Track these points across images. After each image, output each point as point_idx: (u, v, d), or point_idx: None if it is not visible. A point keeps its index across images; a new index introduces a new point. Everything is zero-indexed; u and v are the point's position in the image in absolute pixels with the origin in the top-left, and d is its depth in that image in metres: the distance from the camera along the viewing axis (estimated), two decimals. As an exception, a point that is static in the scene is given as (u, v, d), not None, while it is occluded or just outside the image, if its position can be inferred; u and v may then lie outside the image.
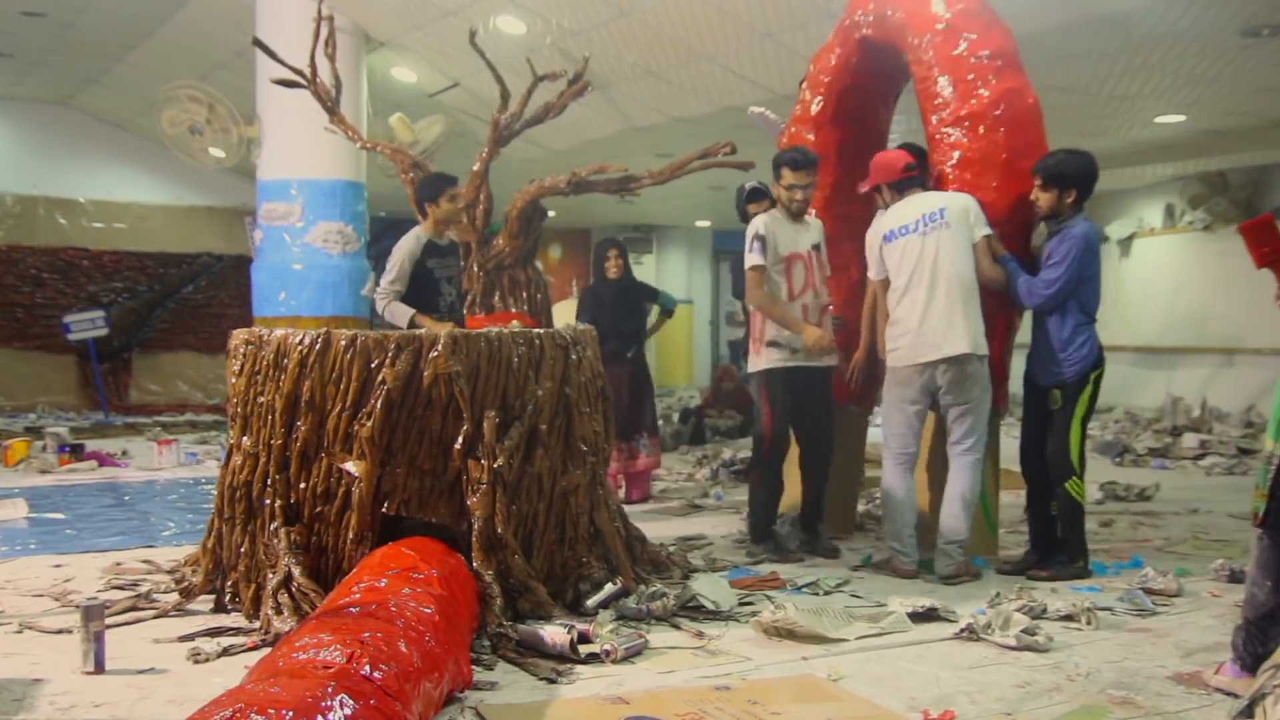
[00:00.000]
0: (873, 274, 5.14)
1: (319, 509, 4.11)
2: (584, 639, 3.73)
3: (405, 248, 5.56)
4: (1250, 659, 3.28)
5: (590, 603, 4.18)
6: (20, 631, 4.00)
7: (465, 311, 6.80)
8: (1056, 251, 4.81)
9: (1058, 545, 4.93)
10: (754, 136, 9.10)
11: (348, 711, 2.43)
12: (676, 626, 4.06)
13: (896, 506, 4.93)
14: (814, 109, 5.84)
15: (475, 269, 7.88)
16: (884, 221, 5.05)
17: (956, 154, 5.06)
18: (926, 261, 4.82)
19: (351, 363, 4.07)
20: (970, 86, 5.03)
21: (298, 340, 4.16)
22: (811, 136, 5.82)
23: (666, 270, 19.10)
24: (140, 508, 6.85)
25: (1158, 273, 12.93)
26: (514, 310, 7.65)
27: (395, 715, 2.59)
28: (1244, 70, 7.74)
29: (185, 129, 9.76)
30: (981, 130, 5.01)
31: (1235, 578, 4.77)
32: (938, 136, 5.16)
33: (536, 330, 4.44)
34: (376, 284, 5.74)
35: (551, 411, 4.27)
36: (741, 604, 4.33)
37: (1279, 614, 3.26)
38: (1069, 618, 4.14)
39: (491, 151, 7.93)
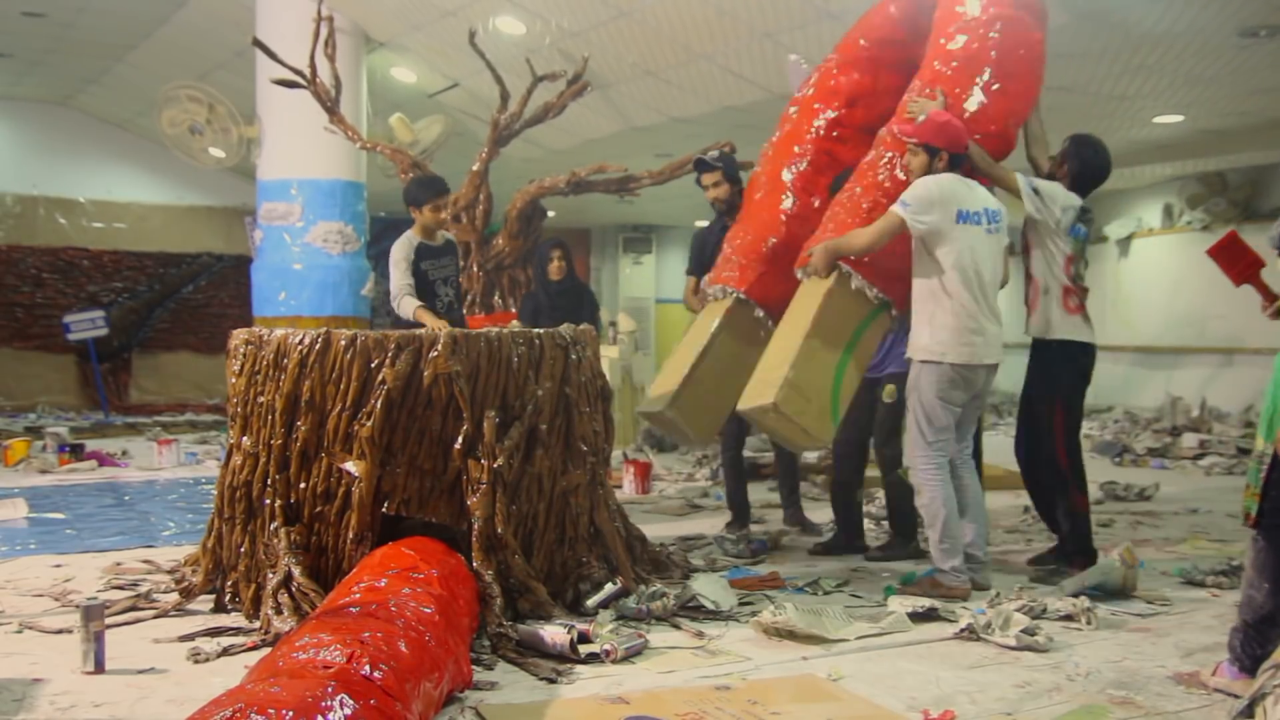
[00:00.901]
0: (926, 226, 4.49)
1: (319, 509, 4.11)
2: (584, 639, 3.73)
3: (400, 251, 5.65)
4: (1249, 661, 3.26)
5: (590, 603, 4.18)
6: (20, 631, 4.00)
7: (465, 311, 6.82)
8: None
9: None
10: (753, 136, 9.07)
11: (348, 711, 2.43)
12: (676, 626, 4.06)
13: (952, 516, 4.55)
14: (851, 51, 5.51)
15: (475, 269, 7.89)
16: (947, 191, 4.53)
17: (953, 62, 4.90)
18: (988, 262, 4.60)
19: (351, 363, 4.07)
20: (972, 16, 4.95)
21: (298, 340, 4.16)
22: (836, 75, 5.50)
23: (666, 270, 19.11)
24: (140, 508, 6.84)
25: (1156, 273, 12.93)
26: (514, 310, 7.66)
27: (395, 715, 2.60)
28: (1242, 70, 7.74)
29: (185, 129, 9.76)
30: (978, 34, 4.89)
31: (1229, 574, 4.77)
32: (938, 44, 5.03)
33: (536, 330, 4.45)
34: (376, 284, 5.77)
35: (551, 411, 4.27)
36: (741, 604, 4.33)
37: (1278, 616, 3.25)
38: (1069, 618, 4.14)
39: (491, 151, 7.95)
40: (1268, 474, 3.25)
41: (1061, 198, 4.84)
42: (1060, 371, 4.89)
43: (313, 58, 7.32)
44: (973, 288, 4.52)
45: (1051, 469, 4.92)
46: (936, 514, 4.53)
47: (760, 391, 4.70)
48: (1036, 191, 4.81)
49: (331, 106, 7.51)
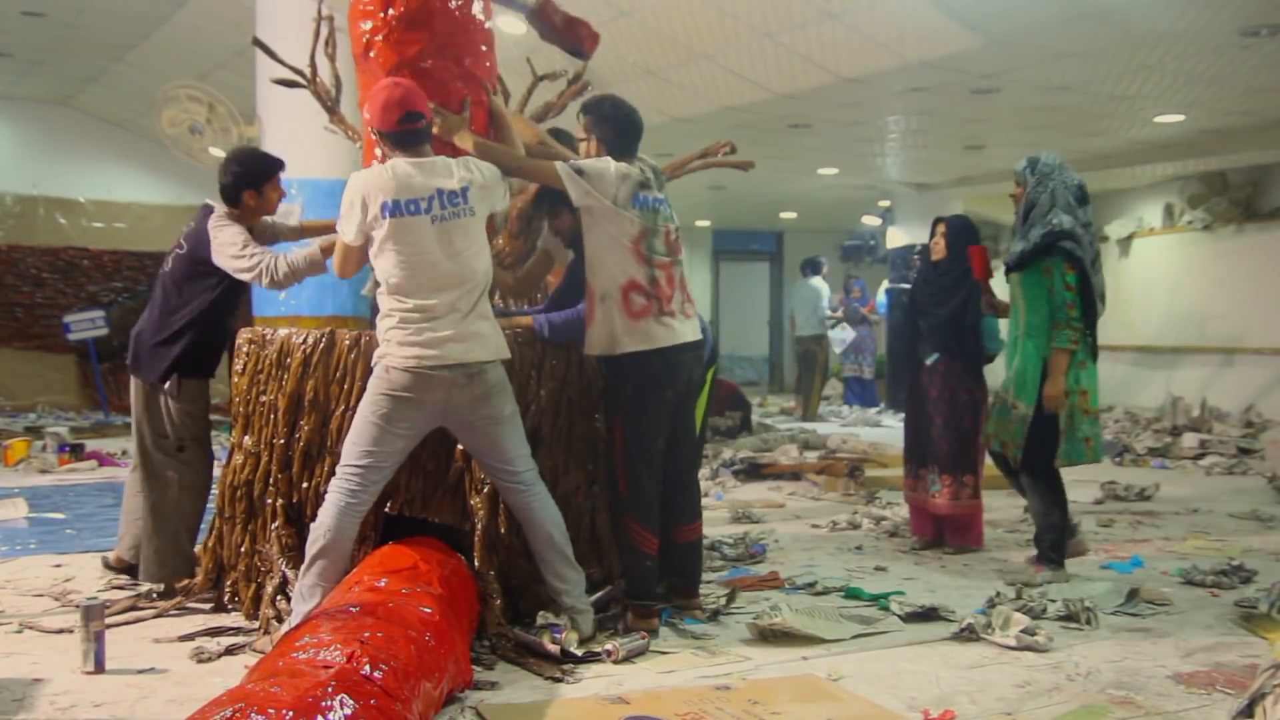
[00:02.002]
0: (353, 237, 3.80)
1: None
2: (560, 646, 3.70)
3: None
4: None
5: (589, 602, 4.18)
6: (20, 631, 4.01)
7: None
8: None
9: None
10: (754, 136, 9.08)
11: (348, 711, 2.43)
12: (673, 627, 4.07)
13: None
14: None
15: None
16: (384, 179, 3.76)
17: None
18: (441, 259, 3.74)
19: (355, 362, 4.07)
20: None
21: (301, 340, 4.16)
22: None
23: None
24: (140, 508, 6.84)
25: (1157, 272, 12.93)
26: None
27: (395, 715, 2.60)
28: (1243, 70, 7.75)
29: (185, 129, 9.75)
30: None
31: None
32: None
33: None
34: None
35: (553, 412, 4.27)
36: (736, 607, 4.33)
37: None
38: (1069, 618, 4.15)
39: (491, 151, 7.93)
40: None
41: (614, 170, 4.03)
42: (620, 385, 4.12)
43: (313, 58, 7.30)
44: (416, 290, 3.75)
45: (613, 492, 4.25)
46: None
47: None
48: (581, 173, 3.98)
49: (332, 106, 7.50)
